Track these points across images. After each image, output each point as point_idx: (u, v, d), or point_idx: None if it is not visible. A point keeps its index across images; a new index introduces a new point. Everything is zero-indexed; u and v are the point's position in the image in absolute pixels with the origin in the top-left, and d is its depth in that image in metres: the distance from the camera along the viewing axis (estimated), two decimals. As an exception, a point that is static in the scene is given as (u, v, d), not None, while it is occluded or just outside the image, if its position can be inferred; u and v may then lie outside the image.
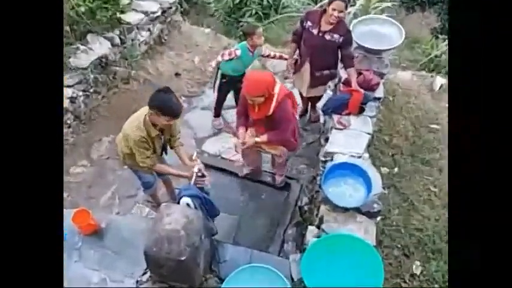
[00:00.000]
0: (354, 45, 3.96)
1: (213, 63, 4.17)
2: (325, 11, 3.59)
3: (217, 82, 4.29)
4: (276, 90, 3.02)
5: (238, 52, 3.94)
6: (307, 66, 3.95)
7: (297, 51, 4.07)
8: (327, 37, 3.65)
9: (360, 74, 3.86)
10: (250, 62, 4.19)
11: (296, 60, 4.09)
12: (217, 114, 4.65)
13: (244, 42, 3.99)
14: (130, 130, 2.82)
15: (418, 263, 3.39)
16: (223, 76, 4.18)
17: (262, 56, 4.27)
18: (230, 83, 4.25)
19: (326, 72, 3.99)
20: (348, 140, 3.46)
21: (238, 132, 3.36)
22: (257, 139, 3.28)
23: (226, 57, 3.98)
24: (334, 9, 3.46)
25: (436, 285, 3.29)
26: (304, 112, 4.81)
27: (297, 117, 3.37)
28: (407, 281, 3.30)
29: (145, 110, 2.85)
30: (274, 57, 4.36)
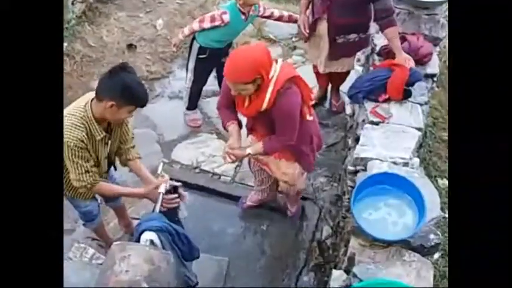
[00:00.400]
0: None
1: (186, 31, 4.13)
2: None
3: (193, 59, 4.31)
4: (273, 73, 2.84)
5: (226, 17, 3.93)
6: (323, 28, 3.99)
7: (309, 9, 4.11)
8: None
9: (403, 40, 3.89)
10: (243, 29, 4.24)
11: (307, 17, 4.10)
12: (192, 105, 4.67)
13: (234, 1, 3.98)
14: (64, 130, 2.77)
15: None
16: (201, 50, 4.19)
17: (261, 16, 4.26)
18: (212, 60, 4.26)
19: (352, 36, 4.02)
20: (389, 140, 3.48)
21: (228, 129, 3.28)
22: (248, 150, 3.17)
23: (208, 25, 3.97)
24: None
25: None
26: (323, 99, 4.84)
27: (311, 114, 3.18)
28: None
29: (83, 101, 2.82)
30: (278, 18, 4.32)
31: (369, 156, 3.36)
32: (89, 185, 2.91)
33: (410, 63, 3.71)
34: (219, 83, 4.64)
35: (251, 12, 4.03)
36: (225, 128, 3.32)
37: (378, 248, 2.95)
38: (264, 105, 2.83)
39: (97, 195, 3.33)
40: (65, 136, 2.72)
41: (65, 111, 2.80)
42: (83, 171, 2.85)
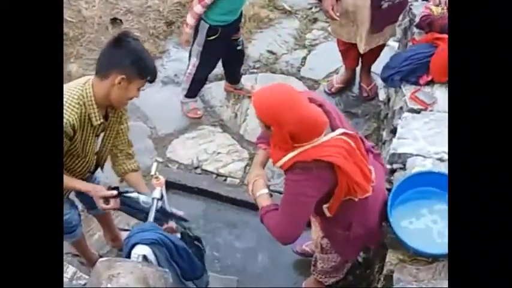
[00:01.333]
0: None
1: (190, 20, 4.16)
2: None
3: (200, 42, 4.31)
4: (313, 142, 2.55)
5: None
6: None
7: None
8: None
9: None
10: None
11: None
12: (193, 93, 4.68)
13: None
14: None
15: None
16: (211, 31, 4.20)
17: None
18: (223, 39, 4.30)
19: None
20: (432, 131, 3.47)
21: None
22: (258, 194, 2.91)
23: (210, 0, 4.00)
24: None
25: None
26: (350, 82, 4.84)
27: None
28: None
29: (83, 79, 2.84)
30: None
31: (409, 152, 3.36)
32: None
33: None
34: (224, 65, 4.65)
35: None
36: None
37: (421, 263, 2.95)
38: (277, 165, 2.67)
39: (77, 202, 3.34)
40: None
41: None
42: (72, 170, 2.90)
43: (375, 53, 4.46)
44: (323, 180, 2.59)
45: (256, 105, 2.57)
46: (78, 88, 2.76)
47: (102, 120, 2.85)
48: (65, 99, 2.70)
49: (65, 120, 2.67)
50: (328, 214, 2.75)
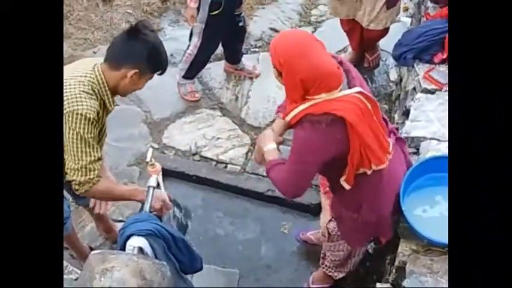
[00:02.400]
0: None
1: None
2: None
3: (202, 19, 4.31)
4: (325, 95, 2.52)
5: None
6: None
7: None
8: None
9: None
10: None
11: None
12: (192, 74, 4.68)
13: None
14: (76, 103, 2.67)
15: None
16: (213, 5, 4.20)
17: None
18: (226, 14, 4.30)
19: None
20: (447, 113, 3.46)
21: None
22: (266, 151, 2.89)
23: None
24: None
25: None
26: (358, 61, 4.84)
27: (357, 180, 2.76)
28: None
29: (89, 64, 2.82)
30: None
31: (423, 135, 3.37)
32: (95, 179, 2.81)
33: None
34: (224, 44, 4.65)
35: None
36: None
37: (435, 254, 2.96)
38: (287, 118, 2.63)
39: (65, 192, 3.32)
40: (75, 106, 2.67)
41: (65, 76, 2.72)
42: (95, 157, 2.78)
43: (379, 32, 4.46)
44: (332, 138, 2.54)
45: (271, 48, 2.54)
46: (89, 75, 2.75)
47: (113, 108, 2.88)
48: (79, 88, 2.70)
49: (93, 109, 2.69)
50: (347, 186, 2.70)
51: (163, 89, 4.77)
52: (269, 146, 2.82)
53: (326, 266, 3.35)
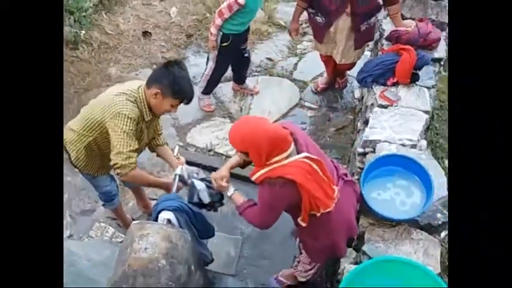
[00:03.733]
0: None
1: (213, 30, 4.15)
2: None
3: (215, 50, 4.32)
4: (281, 158, 2.52)
5: (242, 0, 3.94)
6: (343, 23, 3.99)
7: (301, 16, 4.24)
8: None
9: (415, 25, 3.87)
10: (258, 6, 4.23)
11: (314, 23, 4.14)
12: (208, 91, 4.69)
13: None
14: (119, 107, 2.78)
15: (502, 296, 3.40)
16: (224, 38, 4.20)
17: None
18: (233, 46, 4.30)
19: (373, 20, 4.07)
20: (397, 122, 3.46)
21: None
22: (230, 193, 2.88)
23: (227, 15, 4.01)
24: None
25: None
26: (331, 84, 4.83)
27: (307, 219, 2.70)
28: (486, 321, 3.32)
29: (133, 84, 2.89)
30: None
31: (378, 139, 3.35)
32: (132, 165, 2.83)
33: (412, 29, 3.82)
34: (234, 69, 4.66)
35: None
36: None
37: (386, 226, 2.96)
38: (253, 179, 2.61)
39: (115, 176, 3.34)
40: (121, 109, 2.76)
41: (114, 91, 2.89)
42: (133, 148, 2.81)
43: (349, 64, 4.43)
44: (285, 195, 2.55)
45: (232, 141, 2.55)
46: (134, 92, 2.84)
47: (151, 117, 2.93)
48: (125, 98, 2.79)
49: (135, 112, 2.79)
50: (303, 224, 2.69)
51: (184, 107, 4.76)
52: (231, 191, 2.87)
53: (297, 268, 3.27)
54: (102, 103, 2.87)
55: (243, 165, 2.95)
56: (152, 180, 3.15)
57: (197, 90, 4.64)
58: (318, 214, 2.62)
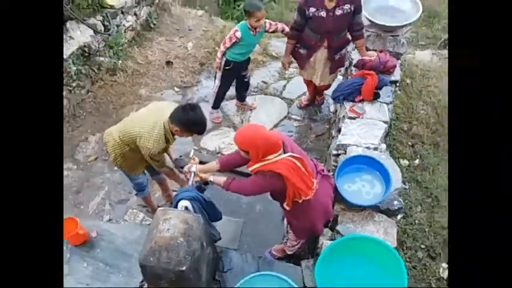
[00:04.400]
0: (366, 22, 3.96)
1: (219, 54, 4.14)
2: None
3: (220, 70, 4.30)
4: (273, 158, 2.55)
5: (239, 34, 3.93)
6: (321, 53, 3.98)
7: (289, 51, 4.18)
8: (338, 12, 3.63)
9: (376, 56, 3.87)
10: (255, 42, 4.20)
11: (298, 54, 4.13)
12: (216, 106, 4.67)
13: (244, 22, 3.97)
14: (148, 143, 2.89)
15: (445, 265, 3.39)
16: (227, 63, 4.18)
17: (267, 31, 4.18)
18: (234, 71, 4.27)
19: (343, 51, 4.06)
20: (363, 130, 3.46)
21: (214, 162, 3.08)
22: (211, 178, 2.91)
23: (228, 44, 4.00)
24: None
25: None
26: (312, 101, 4.82)
27: (293, 204, 2.73)
28: (433, 285, 3.31)
29: (161, 117, 2.91)
30: (281, 31, 4.19)
31: (348, 143, 3.36)
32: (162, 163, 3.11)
33: (374, 58, 3.83)
34: (237, 89, 4.66)
35: (258, 30, 3.99)
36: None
37: (355, 211, 2.97)
38: (249, 170, 2.66)
39: (146, 172, 3.39)
40: (152, 147, 2.91)
41: (151, 119, 2.94)
42: (163, 161, 3.11)
43: (326, 86, 4.43)
44: (272, 183, 2.60)
45: (237, 141, 2.59)
46: (162, 128, 2.90)
47: (174, 140, 3.06)
48: (157, 135, 2.89)
49: (160, 148, 2.93)
50: (287, 208, 2.74)
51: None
52: (210, 178, 2.92)
53: (286, 244, 3.27)
54: (141, 127, 2.94)
55: (220, 169, 3.04)
56: (173, 175, 3.29)
57: (208, 106, 4.65)
58: (300, 201, 2.64)
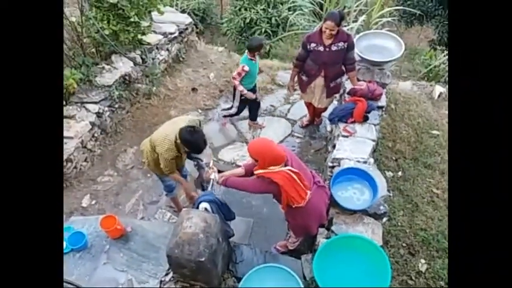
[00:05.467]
0: (358, 58, 3.97)
1: (237, 82, 4.17)
2: (321, 29, 3.63)
3: (238, 97, 4.45)
4: (274, 168, 2.55)
5: (246, 68, 4.05)
6: (319, 81, 3.98)
7: (295, 76, 4.18)
8: (334, 48, 3.68)
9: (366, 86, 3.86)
10: (257, 68, 4.29)
11: (301, 80, 4.13)
12: (229, 117, 4.82)
13: (245, 55, 4.07)
14: (161, 149, 2.93)
15: (423, 261, 3.33)
16: (242, 97, 4.34)
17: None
18: (247, 100, 4.40)
19: (338, 80, 4.05)
20: (354, 147, 3.44)
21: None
22: (212, 176, 2.91)
23: (239, 78, 4.11)
24: (326, 28, 3.55)
25: (441, 283, 3.22)
26: (312, 122, 4.81)
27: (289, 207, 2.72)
28: (413, 278, 3.24)
29: (173, 130, 2.92)
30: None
31: (342, 157, 3.33)
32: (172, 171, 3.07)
33: (364, 87, 3.79)
34: (250, 110, 4.68)
35: (257, 57, 4.14)
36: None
37: (347, 214, 2.93)
38: (255, 172, 2.67)
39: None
40: (164, 153, 2.92)
41: (163, 135, 2.94)
42: (173, 169, 3.04)
43: (324, 108, 4.42)
44: (268, 188, 2.62)
45: (250, 150, 2.61)
46: (173, 141, 2.90)
47: (185, 150, 3.02)
48: (168, 145, 2.90)
49: (170, 156, 2.92)
50: (284, 210, 2.76)
51: (219, 132, 4.78)
52: (216, 178, 2.90)
53: (288, 241, 3.27)
54: (158, 137, 2.97)
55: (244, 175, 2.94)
56: (186, 184, 3.32)
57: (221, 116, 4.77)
58: (293, 206, 2.64)
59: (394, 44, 4.06)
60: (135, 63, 4.85)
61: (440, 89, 5.08)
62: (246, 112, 4.69)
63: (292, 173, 2.55)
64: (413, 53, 7.97)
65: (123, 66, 4.71)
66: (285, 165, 2.57)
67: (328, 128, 4.70)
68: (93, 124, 4.19)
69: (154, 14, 5.09)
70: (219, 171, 3.06)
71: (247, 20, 6.84)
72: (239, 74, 4.07)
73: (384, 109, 4.09)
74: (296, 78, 4.19)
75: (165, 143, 2.91)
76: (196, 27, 6.73)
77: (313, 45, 3.73)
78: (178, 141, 2.88)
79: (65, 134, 3.84)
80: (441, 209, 3.66)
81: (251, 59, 4.07)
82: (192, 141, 2.83)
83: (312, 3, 7.39)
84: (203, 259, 2.42)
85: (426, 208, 3.67)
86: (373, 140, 3.53)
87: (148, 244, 3.02)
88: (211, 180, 2.97)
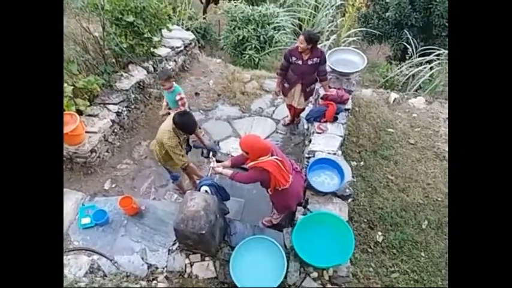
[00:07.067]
0: (329, 69, 3.96)
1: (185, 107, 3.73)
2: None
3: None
4: (262, 158, 2.52)
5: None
6: (298, 87, 3.96)
7: (278, 83, 4.10)
8: (309, 62, 3.68)
9: (336, 92, 3.86)
10: (173, 96, 3.77)
11: (283, 87, 4.10)
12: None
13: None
14: (165, 139, 2.82)
15: (380, 233, 3.38)
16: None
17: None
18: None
19: (312, 86, 4.03)
20: (326, 141, 3.44)
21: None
22: (219, 169, 2.82)
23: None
24: (299, 41, 3.54)
25: (394, 250, 3.27)
26: (292, 121, 4.80)
27: (277, 189, 2.68)
28: (372, 247, 3.29)
29: (169, 121, 2.85)
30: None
31: (316, 150, 3.34)
32: (184, 163, 2.90)
33: (334, 93, 3.78)
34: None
35: (174, 85, 3.73)
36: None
37: (320, 196, 2.94)
38: (247, 166, 2.65)
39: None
40: (167, 142, 2.77)
41: (163, 127, 2.83)
42: (181, 156, 2.86)
43: (301, 110, 4.40)
44: (261, 175, 2.58)
45: (241, 144, 2.55)
46: (171, 128, 2.78)
47: (184, 136, 2.92)
48: (170, 133, 2.76)
49: (175, 141, 2.77)
50: (270, 193, 2.73)
51: (217, 129, 4.70)
52: (224, 170, 2.80)
53: (272, 217, 3.25)
54: (160, 131, 2.86)
55: (231, 166, 2.92)
56: (197, 172, 3.19)
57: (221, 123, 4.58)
58: (279, 189, 2.63)
59: (359, 58, 4.07)
60: (148, 72, 4.78)
61: (394, 95, 5.12)
62: (239, 113, 4.59)
63: (278, 161, 2.54)
64: (374, 66, 8.01)
65: (138, 74, 4.64)
66: (272, 155, 2.55)
67: (305, 126, 4.70)
68: (113, 121, 4.14)
69: (164, 31, 5.02)
70: (217, 161, 3.04)
71: (240, 37, 6.79)
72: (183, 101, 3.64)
73: (349, 111, 4.11)
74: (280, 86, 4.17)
75: (166, 133, 2.82)
76: (199, 43, 6.63)
77: (294, 58, 3.72)
78: (174, 126, 2.79)
79: (90, 129, 3.82)
80: (394, 191, 3.72)
81: (164, 89, 3.63)
82: (183, 122, 2.73)
83: (292, 24, 7.37)
84: (204, 232, 2.41)
85: (383, 191, 3.72)
86: (341, 136, 3.54)
87: (158, 220, 2.99)
88: (210, 169, 2.95)
